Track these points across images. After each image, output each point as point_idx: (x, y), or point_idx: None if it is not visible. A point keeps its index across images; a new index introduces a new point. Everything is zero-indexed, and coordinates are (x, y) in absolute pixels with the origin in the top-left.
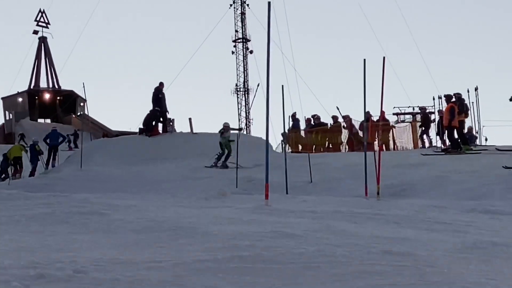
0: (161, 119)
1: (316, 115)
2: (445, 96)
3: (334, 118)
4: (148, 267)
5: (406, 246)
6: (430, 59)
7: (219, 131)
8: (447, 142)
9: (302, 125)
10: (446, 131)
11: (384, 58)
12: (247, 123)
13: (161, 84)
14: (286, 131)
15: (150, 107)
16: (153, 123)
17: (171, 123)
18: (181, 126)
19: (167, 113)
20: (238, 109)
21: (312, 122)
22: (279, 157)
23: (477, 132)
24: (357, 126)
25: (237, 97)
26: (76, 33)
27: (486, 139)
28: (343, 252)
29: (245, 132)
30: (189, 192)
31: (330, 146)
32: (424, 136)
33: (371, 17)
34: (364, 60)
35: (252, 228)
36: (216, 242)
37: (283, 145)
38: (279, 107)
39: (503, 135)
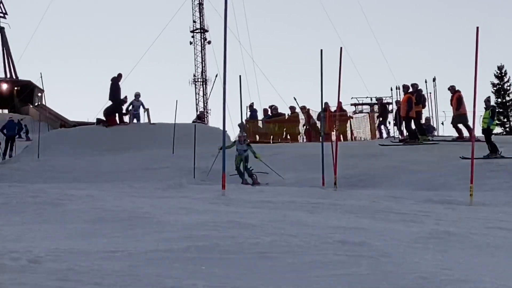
0: (120, 110)
1: (273, 105)
2: (403, 86)
3: (292, 108)
4: (103, 257)
5: (362, 236)
6: (388, 50)
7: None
8: (405, 133)
9: (260, 116)
10: (404, 122)
11: (341, 48)
12: (205, 113)
13: (119, 75)
14: (244, 121)
15: (108, 97)
16: (115, 113)
17: (145, 113)
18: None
19: (124, 103)
20: (196, 99)
21: (269, 113)
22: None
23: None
24: (314, 116)
25: (195, 88)
26: (34, 23)
27: (442, 123)
28: (299, 242)
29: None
30: (146, 182)
31: (288, 136)
32: (382, 127)
33: (329, 8)
34: (321, 50)
35: (208, 218)
36: (172, 232)
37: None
38: (237, 97)
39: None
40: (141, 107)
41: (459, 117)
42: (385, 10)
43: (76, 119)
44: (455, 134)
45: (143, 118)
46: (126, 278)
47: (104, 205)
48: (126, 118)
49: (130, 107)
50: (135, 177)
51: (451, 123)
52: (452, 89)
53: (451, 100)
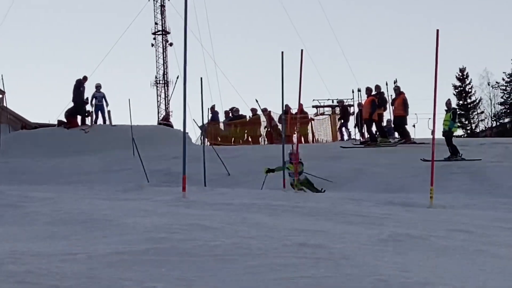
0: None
1: (234, 107)
2: (366, 89)
3: (253, 110)
4: (62, 259)
5: (321, 239)
6: (350, 52)
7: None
8: (366, 135)
9: (222, 118)
10: (365, 124)
11: (302, 50)
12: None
13: (85, 78)
14: (205, 123)
15: (69, 99)
16: (77, 115)
17: (106, 115)
18: (99, 119)
19: (86, 105)
20: (158, 101)
21: (230, 115)
22: (198, 150)
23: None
24: (276, 118)
25: (157, 90)
26: None
27: (414, 126)
28: (258, 244)
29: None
30: (107, 184)
31: (249, 138)
32: (343, 129)
33: (291, 10)
34: (282, 52)
35: (168, 221)
36: (131, 235)
37: (202, 138)
38: (198, 99)
39: (422, 128)
40: (103, 98)
41: (401, 119)
42: (347, 12)
43: (37, 121)
44: (417, 137)
45: (107, 110)
46: (85, 281)
47: (64, 208)
48: (88, 121)
49: (94, 100)
50: (96, 179)
51: (393, 123)
52: (397, 89)
53: (394, 100)
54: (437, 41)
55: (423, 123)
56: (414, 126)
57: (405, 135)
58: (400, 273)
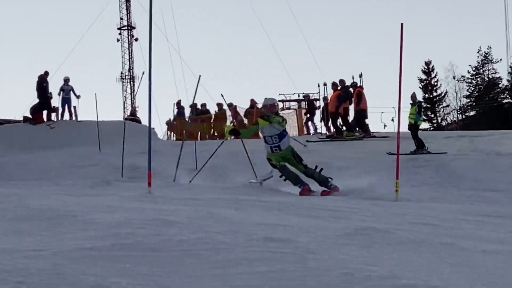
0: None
1: (201, 103)
2: (332, 84)
3: (219, 105)
4: (27, 255)
5: (287, 233)
6: (316, 46)
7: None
8: (332, 129)
9: (188, 113)
10: (331, 118)
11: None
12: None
13: (46, 73)
14: (171, 119)
15: (34, 95)
16: (43, 111)
17: (73, 110)
18: (66, 113)
19: (52, 100)
20: (124, 97)
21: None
22: (164, 145)
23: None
24: (242, 113)
25: (122, 85)
26: None
27: (385, 126)
28: (224, 239)
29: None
30: (73, 180)
31: (215, 133)
32: (309, 123)
33: (257, 5)
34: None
35: (134, 216)
36: (97, 230)
37: (168, 133)
38: (164, 95)
39: (387, 121)
40: (72, 91)
41: (359, 113)
42: (312, 7)
43: (2, 117)
44: (381, 130)
45: (73, 106)
46: (50, 277)
47: (30, 204)
48: (53, 117)
49: (61, 93)
50: (62, 175)
51: (353, 120)
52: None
53: (357, 95)
54: (401, 35)
55: (388, 116)
56: (392, 120)
57: (364, 130)
58: (366, 267)
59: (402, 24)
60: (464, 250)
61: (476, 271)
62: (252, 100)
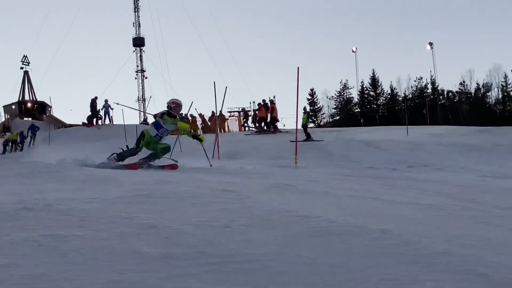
0: None
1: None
2: (258, 104)
3: (191, 116)
4: (88, 201)
5: (235, 187)
6: (248, 75)
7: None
8: (260, 127)
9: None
10: (258, 121)
11: (214, 83)
12: (145, 118)
13: (96, 97)
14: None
15: (88, 109)
16: None
17: (110, 119)
18: (106, 120)
19: (99, 113)
20: (139, 109)
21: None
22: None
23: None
24: (207, 119)
25: (138, 103)
26: None
27: (284, 125)
28: (199, 190)
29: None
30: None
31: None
32: (245, 124)
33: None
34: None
35: (147, 179)
36: (125, 186)
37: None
38: (161, 109)
39: (290, 122)
40: (109, 108)
41: (272, 118)
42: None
43: (70, 122)
44: (287, 128)
45: (111, 116)
46: (99, 213)
47: (87, 171)
48: (99, 122)
49: (103, 109)
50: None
51: (269, 122)
52: (271, 102)
53: (271, 108)
54: (298, 76)
55: (289, 120)
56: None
57: (275, 128)
58: (280, 205)
59: (298, 68)
60: (335, 196)
61: (342, 207)
62: (212, 112)
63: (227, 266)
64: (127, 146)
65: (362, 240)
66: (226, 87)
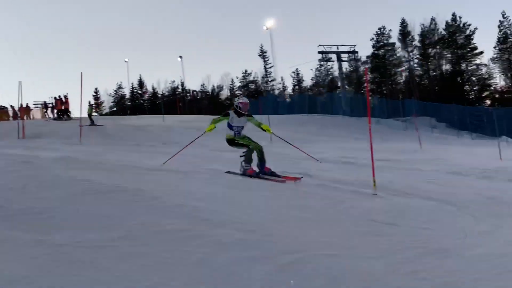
0: None
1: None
2: (54, 98)
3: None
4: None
5: (32, 159)
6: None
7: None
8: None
9: None
10: (57, 112)
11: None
12: None
13: None
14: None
15: None
16: None
17: None
18: None
19: None
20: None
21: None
22: None
23: None
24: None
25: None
26: None
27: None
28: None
29: None
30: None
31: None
32: (46, 113)
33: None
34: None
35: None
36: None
37: None
38: None
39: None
40: None
41: (66, 110)
42: None
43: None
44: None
45: None
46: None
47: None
48: None
49: None
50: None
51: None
52: (65, 97)
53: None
54: (81, 79)
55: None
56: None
57: (68, 116)
58: (65, 173)
59: (81, 73)
60: (107, 163)
61: (112, 173)
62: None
63: (20, 217)
64: None
65: (122, 196)
66: (20, 81)
